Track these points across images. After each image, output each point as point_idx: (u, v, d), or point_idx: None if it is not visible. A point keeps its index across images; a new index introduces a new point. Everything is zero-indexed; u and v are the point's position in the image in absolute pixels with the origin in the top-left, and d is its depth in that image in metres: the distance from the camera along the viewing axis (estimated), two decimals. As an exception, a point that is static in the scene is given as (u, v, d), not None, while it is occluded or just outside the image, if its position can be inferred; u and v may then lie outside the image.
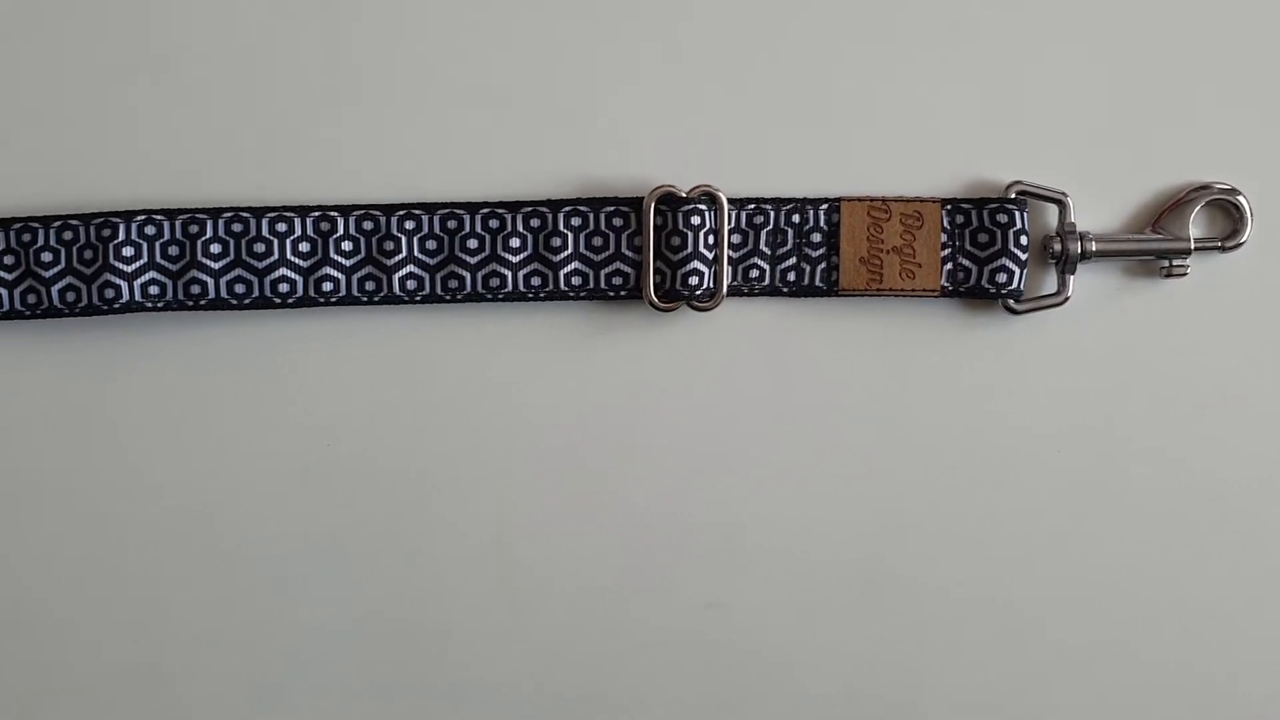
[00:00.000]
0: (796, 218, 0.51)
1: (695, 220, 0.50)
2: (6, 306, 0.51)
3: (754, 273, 0.52)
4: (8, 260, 0.51)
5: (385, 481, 0.52)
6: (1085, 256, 0.51)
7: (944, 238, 0.51)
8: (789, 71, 0.52)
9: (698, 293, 0.51)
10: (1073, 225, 0.52)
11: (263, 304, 0.51)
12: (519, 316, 0.52)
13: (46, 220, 0.50)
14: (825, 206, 0.52)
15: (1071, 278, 0.52)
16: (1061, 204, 0.52)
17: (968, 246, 0.51)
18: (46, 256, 0.50)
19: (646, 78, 0.52)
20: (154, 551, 0.52)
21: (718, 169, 0.52)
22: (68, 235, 0.50)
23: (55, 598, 0.52)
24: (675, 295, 0.51)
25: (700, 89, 0.52)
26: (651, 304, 0.51)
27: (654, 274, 0.51)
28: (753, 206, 0.51)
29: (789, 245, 0.52)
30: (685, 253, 0.51)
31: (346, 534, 0.52)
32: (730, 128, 0.52)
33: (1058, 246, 0.51)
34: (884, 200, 0.52)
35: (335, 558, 0.53)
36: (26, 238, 0.50)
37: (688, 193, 0.51)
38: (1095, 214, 0.52)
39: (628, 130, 0.52)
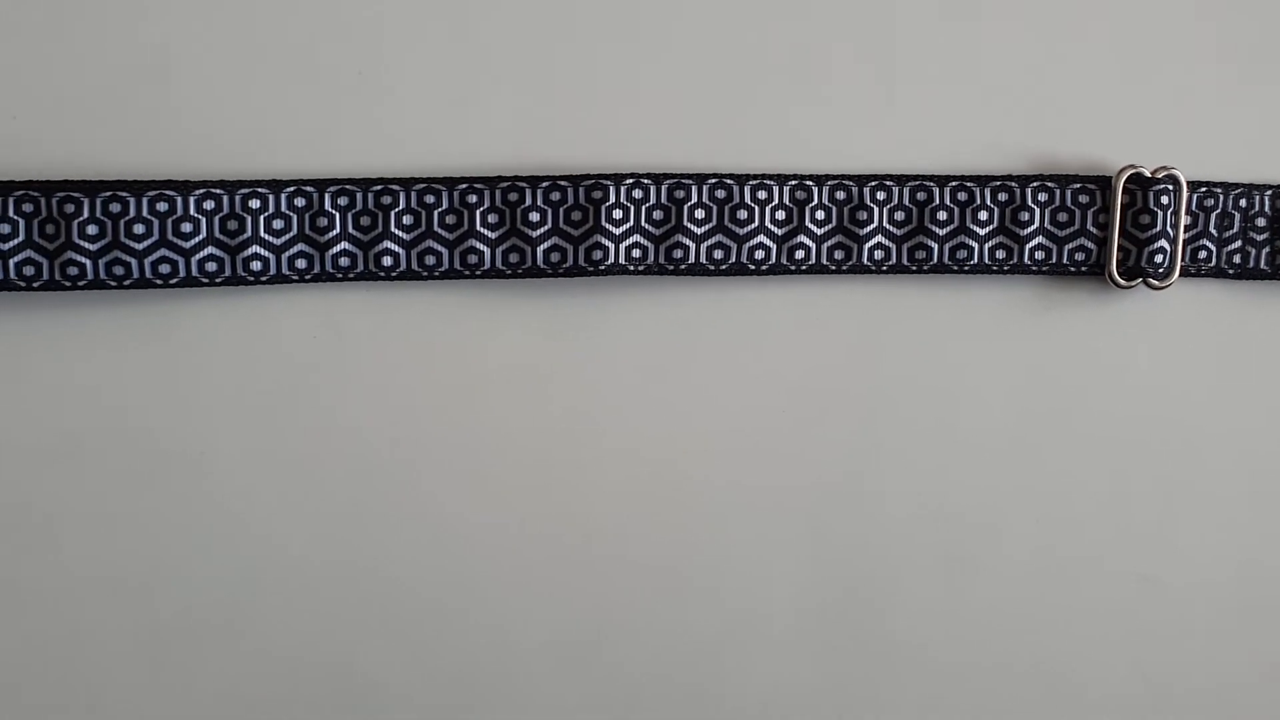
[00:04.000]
0: (1243, 202, 0.53)
1: (1164, 200, 0.52)
2: (488, 265, 0.51)
3: (1202, 254, 0.53)
4: (492, 219, 0.51)
5: (839, 445, 0.53)
6: None
7: (1378, 226, 0.54)
8: (1226, 58, 0.54)
9: (1160, 270, 0.52)
10: None
11: (738, 270, 0.52)
12: (978, 288, 0.53)
13: (534, 180, 0.51)
14: (1270, 193, 0.53)
15: None
16: None
17: (1400, 235, 0.54)
18: (534, 216, 0.51)
19: (1088, 59, 0.53)
20: (619, 506, 0.52)
21: (1161, 150, 0.53)
22: (555, 196, 0.51)
23: (518, 546, 0.52)
24: (1137, 272, 0.53)
25: (1150, 70, 0.53)
26: (1112, 280, 0.53)
27: (1117, 251, 0.53)
28: (1204, 189, 0.53)
29: (1235, 229, 0.54)
30: (1154, 231, 0.52)
31: (795, 495, 0.53)
32: (1176, 111, 0.54)
33: None
34: (1323, 188, 0.54)
35: (783, 520, 0.53)
36: (513, 197, 0.51)
37: (1152, 173, 0.52)
38: None
39: (1076, 110, 0.53)
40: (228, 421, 0.51)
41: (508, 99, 0.51)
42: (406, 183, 0.50)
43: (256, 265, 0.50)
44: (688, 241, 0.51)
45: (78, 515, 0.50)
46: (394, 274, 0.51)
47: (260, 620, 0.52)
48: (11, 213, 0.48)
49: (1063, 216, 0.53)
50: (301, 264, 0.50)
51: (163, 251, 0.49)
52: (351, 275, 0.51)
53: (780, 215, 0.52)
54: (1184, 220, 0.53)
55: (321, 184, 0.50)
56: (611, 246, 0.51)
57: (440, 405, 0.51)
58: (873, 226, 0.52)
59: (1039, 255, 0.53)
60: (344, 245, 0.50)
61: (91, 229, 0.48)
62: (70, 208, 0.48)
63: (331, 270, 0.50)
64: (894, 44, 0.53)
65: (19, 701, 0.51)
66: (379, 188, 0.50)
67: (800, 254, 0.52)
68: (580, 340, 0.52)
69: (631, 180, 0.51)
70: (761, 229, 0.52)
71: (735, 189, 0.51)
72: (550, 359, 0.52)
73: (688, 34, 0.52)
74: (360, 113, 0.50)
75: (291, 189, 0.50)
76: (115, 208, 0.48)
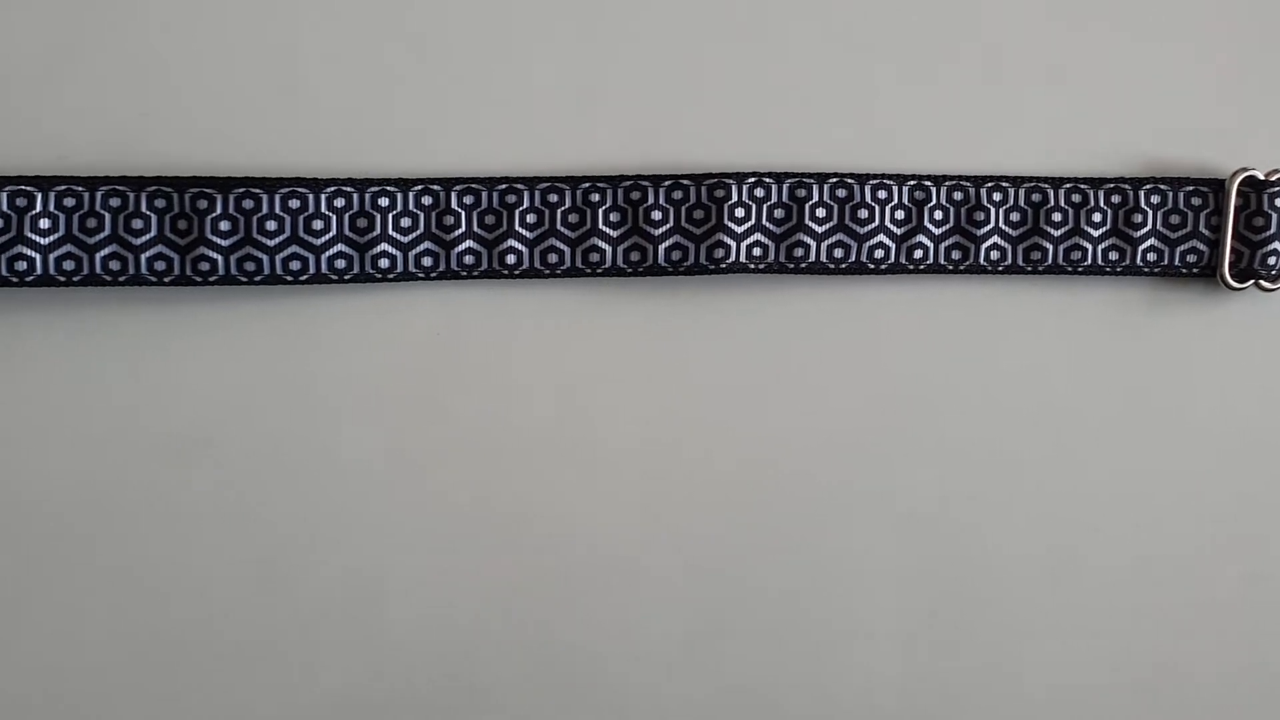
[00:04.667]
0: (1353, 204, 0.54)
1: (1279, 202, 0.52)
2: (609, 264, 0.51)
3: (1312, 256, 0.54)
4: (613, 217, 0.51)
5: (953, 444, 0.53)
6: None
7: None
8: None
9: (1273, 272, 0.53)
10: None
11: (857, 269, 0.52)
12: (1090, 289, 0.54)
13: (656, 179, 0.51)
14: (1377, 194, 0.54)
15: None
16: None
17: None
18: (656, 215, 0.51)
19: (1202, 63, 0.54)
20: (738, 505, 0.53)
21: (1274, 153, 0.54)
22: (677, 195, 0.51)
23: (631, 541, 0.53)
24: (1249, 275, 0.53)
25: (1263, 73, 0.54)
26: (1224, 282, 0.53)
27: (1230, 253, 0.53)
28: (1314, 192, 0.54)
29: (1343, 230, 0.54)
30: (1268, 233, 0.53)
31: (910, 494, 0.53)
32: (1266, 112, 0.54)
33: None
34: None
35: (898, 519, 0.54)
36: (636, 196, 0.51)
37: (1265, 175, 0.53)
38: None
39: (1189, 113, 0.54)
40: (354, 417, 0.51)
41: (631, 98, 0.51)
42: (530, 182, 0.51)
43: (384, 263, 0.50)
44: (808, 240, 0.52)
45: (207, 509, 0.51)
46: (517, 272, 0.51)
47: (383, 616, 0.52)
48: (145, 208, 0.48)
49: (1175, 219, 0.53)
50: (428, 262, 0.50)
51: (294, 248, 0.49)
52: (476, 273, 0.51)
53: (900, 215, 0.52)
54: (1294, 223, 0.54)
55: (448, 183, 0.50)
56: (733, 245, 0.51)
57: (561, 402, 0.52)
58: (989, 227, 0.53)
59: (1151, 257, 0.53)
60: (469, 244, 0.51)
61: (224, 225, 0.49)
62: (203, 204, 0.48)
63: (456, 268, 0.51)
64: (1011, 48, 0.53)
65: (119, 698, 0.51)
66: (504, 187, 0.51)
67: (919, 254, 0.52)
68: (700, 338, 0.52)
69: (753, 179, 0.51)
70: (881, 228, 0.52)
71: (856, 188, 0.52)
72: (670, 356, 0.52)
73: (810, 35, 0.52)
74: (486, 113, 0.51)
75: (419, 188, 0.50)
76: (248, 204, 0.48)
